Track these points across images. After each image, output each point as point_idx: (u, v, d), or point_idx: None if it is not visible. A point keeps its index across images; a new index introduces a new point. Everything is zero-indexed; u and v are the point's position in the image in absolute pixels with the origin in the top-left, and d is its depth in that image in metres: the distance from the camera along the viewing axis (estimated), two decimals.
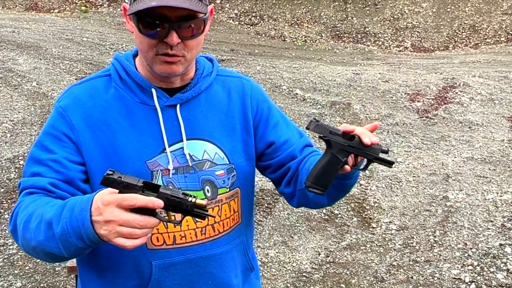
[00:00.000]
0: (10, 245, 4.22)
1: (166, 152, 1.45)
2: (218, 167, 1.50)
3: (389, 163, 1.44)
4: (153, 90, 1.46)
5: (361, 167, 1.45)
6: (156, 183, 1.30)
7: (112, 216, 1.14)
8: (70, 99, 1.47)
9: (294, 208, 4.85)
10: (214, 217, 1.42)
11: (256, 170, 1.67)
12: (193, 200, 1.21)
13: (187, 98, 1.50)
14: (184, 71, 1.45)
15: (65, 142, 1.41)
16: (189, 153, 1.47)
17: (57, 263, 4.00)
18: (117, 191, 1.18)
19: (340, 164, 1.40)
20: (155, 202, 1.15)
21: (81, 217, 1.18)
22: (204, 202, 1.21)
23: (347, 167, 1.41)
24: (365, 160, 1.44)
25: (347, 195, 5.13)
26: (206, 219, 1.44)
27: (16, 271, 3.95)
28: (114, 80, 1.49)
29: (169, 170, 1.45)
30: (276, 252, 4.27)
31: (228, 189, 1.52)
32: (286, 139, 1.62)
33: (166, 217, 1.27)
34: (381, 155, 1.42)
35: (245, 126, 1.58)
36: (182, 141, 1.47)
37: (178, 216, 1.29)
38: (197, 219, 1.32)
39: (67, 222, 1.20)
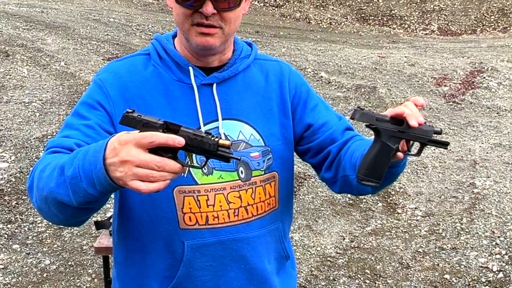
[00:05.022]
0: (39, 223, 4.30)
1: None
2: (253, 148, 1.49)
3: (444, 144, 1.33)
4: (191, 68, 1.47)
5: (415, 152, 1.38)
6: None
7: (129, 156, 1.07)
8: (109, 73, 1.49)
9: (319, 192, 4.85)
10: (239, 159, 1.27)
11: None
12: (216, 139, 1.12)
13: (223, 77, 1.50)
14: (221, 47, 1.46)
15: (99, 110, 1.42)
16: (224, 133, 1.47)
17: (84, 241, 4.08)
18: (137, 131, 1.11)
19: (392, 152, 1.31)
20: (176, 139, 1.08)
21: (94, 159, 1.12)
22: (227, 142, 1.12)
23: (400, 154, 1.34)
24: (418, 144, 1.34)
25: None
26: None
27: (44, 249, 4.03)
28: (153, 58, 1.51)
29: None
30: (301, 236, 4.28)
31: (263, 172, 1.50)
32: (325, 121, 1.58)
33: (188, 162, 1.17)
34: (434, 137, 1.32)
35: (283, 109, 1.56)
36: (217, 120, 1.47)
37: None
38: (221, 160, 1.17)
39: (79, 165, 1.14)
